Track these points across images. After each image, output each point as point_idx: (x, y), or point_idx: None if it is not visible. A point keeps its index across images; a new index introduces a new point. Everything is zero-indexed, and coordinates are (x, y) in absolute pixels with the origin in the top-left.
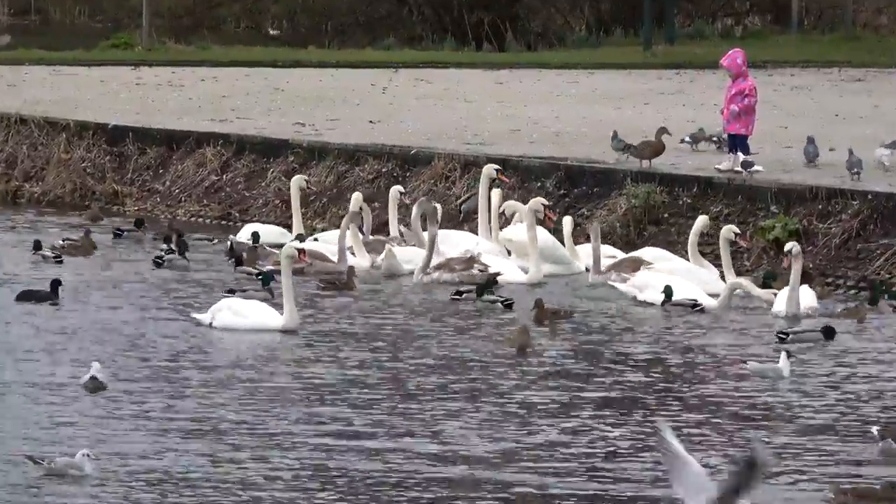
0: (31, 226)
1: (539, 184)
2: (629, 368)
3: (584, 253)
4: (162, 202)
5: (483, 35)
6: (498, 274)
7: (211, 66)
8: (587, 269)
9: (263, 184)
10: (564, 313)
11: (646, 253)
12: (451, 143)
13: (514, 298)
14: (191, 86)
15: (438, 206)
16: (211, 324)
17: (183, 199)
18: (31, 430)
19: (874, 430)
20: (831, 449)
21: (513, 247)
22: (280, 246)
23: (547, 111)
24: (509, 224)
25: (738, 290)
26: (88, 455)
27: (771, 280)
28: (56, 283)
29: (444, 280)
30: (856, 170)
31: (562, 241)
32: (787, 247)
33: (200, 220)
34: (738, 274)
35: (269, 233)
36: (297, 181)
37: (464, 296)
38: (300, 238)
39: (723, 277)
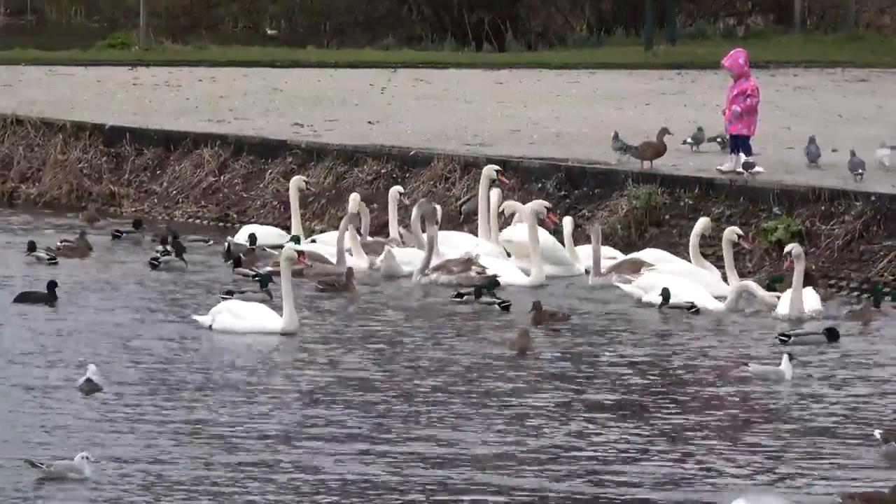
0: (27, 227)
1: (539, 185)
2: (630, 371)
3: (584, 254)
4: (159, 203)
5: (483, 35)
6: (496, 276)
7: (208, 67)
8: (587, 272)
9: (261, 185)
10: (562, 315)
11: (647, 254)
12: (450, 143)
13: (516, 300)
14: (188, 86)
15: (438, 207)
16: (211, 326)
17: (180, 200)
18: (26, 433)
19: (877, 433)
20: (833, 452)
21: (512, 248)
22: (278, 247)
23: (547, 111)
24: (509, 224)
25: (745, 293)
26: (87, 458)
27: (776, 283)
28: (52, 285)
29: (441, 282)
30: (859, 171)
31: (562, 242)
32: (788, 248)
33: (198, 221)
34: (740, 275)
35: (268, 234)
36: (296, 182)
37: (464, 297)
38: (295, 240)
39: (725, 279)
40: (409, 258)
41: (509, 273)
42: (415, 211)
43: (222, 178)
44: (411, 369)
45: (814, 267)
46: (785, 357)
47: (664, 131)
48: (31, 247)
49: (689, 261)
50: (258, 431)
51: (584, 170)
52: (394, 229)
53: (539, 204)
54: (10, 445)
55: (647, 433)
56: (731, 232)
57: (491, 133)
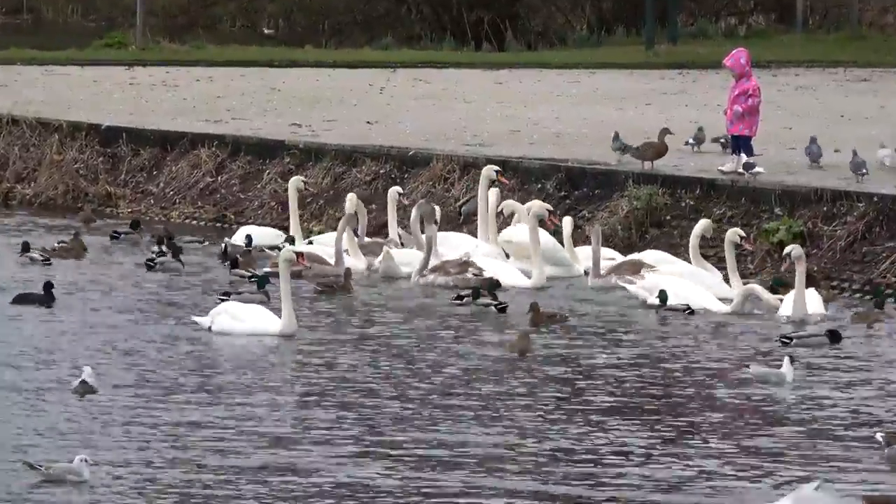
0: (22, 228)
1: (539, 185)
2: (630, 373)
3: (583, 255)
4: (156, 204)
5: (482, 34)
6: (492, 278)
7: (206, 66)
8: (586, 273)
9: (259, 185)
10: (560, 317)
11: (647, 256)
12: (449, 144)
13: (517, 302)
14: (185, 86)
15: (437, 207)
16: (210, 328)
17: (177, 200)
18: (20, 435)
19: (879, 436)
20: (835, 455)
21: (511, 248)
22: (275, 248)
23: (547, 112)
24: (508, 224)
25: (750, 296)
26: (87, 461)
27: (779, 286)
28: (49, 286)
29: (438, 283)
30: (862, 171)
31: (561, 243)
32: (787, 249)
33: (195, 222)
34: (741, 277)
35: (265, 235)
36: (294, 182)
37: (464, 300)
38: (290, 241)
39: (726, 280)
40: (407, 259)
41: (511, 275)
42: (414, 212)
43: (219, 178)
44: (409, 371)
45: (816, 268)
46: (786, 359)
47: (665, 131)
48: (25, 247)
49: (690, 262)
50: (254, 433)
51: (584, 170)
52: (393, 230)
53: (541, 207)
54: (2, 448)
55: (646, 435)
56: (733, 233)
57: (490, 133)
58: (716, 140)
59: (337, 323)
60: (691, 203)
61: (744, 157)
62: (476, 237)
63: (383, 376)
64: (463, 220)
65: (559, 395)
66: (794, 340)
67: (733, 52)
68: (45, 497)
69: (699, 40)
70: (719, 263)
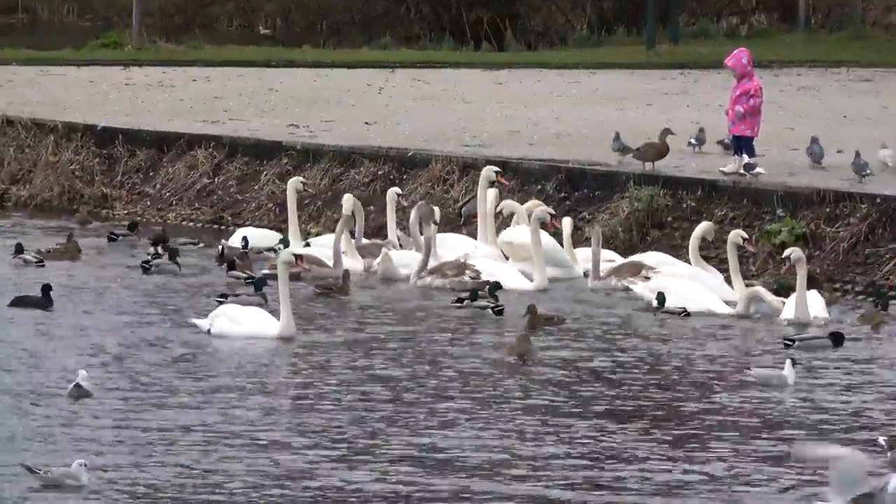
0: (17, 230)
1: (539, 186)
2: (630, 375)
3: (583, 257)
4: (152, 206)
5: (482, 34)
6: (489, 281)
7: (203, 66)
8: (585, 274)
9: (256, 187)
10: (558, 319)
11: (648, 258)
12: (449, 144)
13: (519, 305)
14: (182, 86)
15: (437, 209)
16: (209, 330)
17: (174, 202)
18: (13, 440)
19: (881, 440)
20: None
21: (511, 250)
22: (271, 250)
23: (547, 112)
24: (508, 224)
25: (755, 298)
26: (85, 465)
27: (783, 289)
28: (47, 289)
29: (436, 285)
30: (866, 172)
31: (561, 244)
32: (787, 252)
33: (191, 223)
34: (743, 278)
35: (263, 237)
36: (293, 183)
37: (465, 303)
38: (284, 243)
39: (727, 281)
40: (406, 260)
41: (513, 278)
42: (413, 213)
43: (216, 179)
44: (407, 374)
45: (818, 270)
46: (788, 362)
47: (666, 132)
48: (19, 249)
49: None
50: (249, 437)
51: (584, 171)
52: (392, 232)
53: (543, 211)
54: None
55: (646, 438)
56: (735, 235)
57: (490, 134)
58: (720, 142)
59: (335, 325)
60: (693, 204)
61: (745, 158)
62: (475, 239)
63: (380, 379)
64: (463, 222)
65: (557, 397)
66: (797, 343)
67: (735, 51)
68: (42, 501)
69: (701, 40)
70: (721, 265)
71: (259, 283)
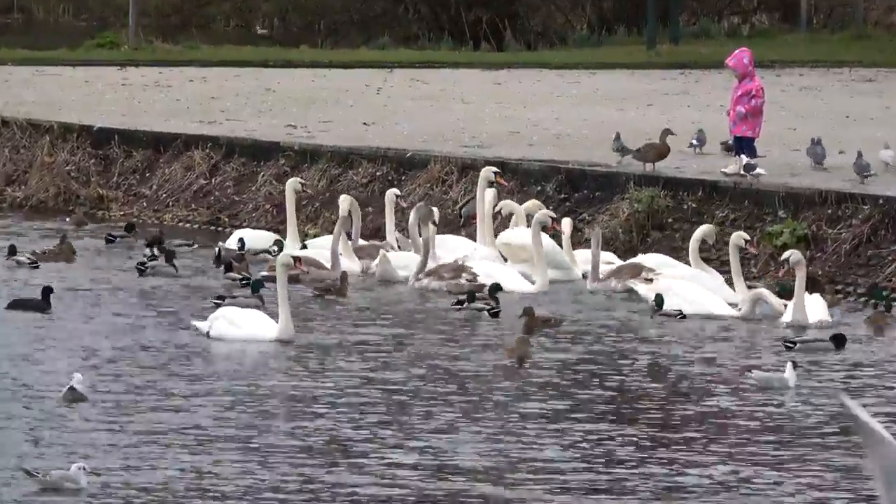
0: (12, 231)
1: (539, 187)
2: (631, 378)
3: (582, 258)
4: (148, 207)
5: (481, 34)
6: (484, 284)
7: (199, 67)
8: (584, 276)
9: (253, 188)
10: (555, 321)
11: (648, 259)
12: (447, 145)
13: (518, 307)
14: (179, 86)
15: (435, 210)
16: (208, 333)
17: (170, 203)
18: (7, 444)
19: None
20: (838, 462)
21: (509, 251)
22: (266, 252)
23: (547, 112)
24: (507, 225)
25: (759, 301)
26: (84, 468)
27: (785, 292)
28: (48, 291)
29: (433, 287)
30: (868, 172)
31: (560, 245)
32: (785, 255)
33: (188, 225)
34: (745, 280)
35: (260, 238)
36: (292, 184)
37: (465, 305)
38: (278, 244)
39: (729, 283)
40: (404, 262)
41: (514, 280)
42: (412, 214)
43: (213, 180)
44: (404, 377)
45: (820, 272)
46: (789, 364)
47: (667, 132)
48: (12, 251)
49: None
50: (246, 440)
51: (584, 172)
52: (391, 233)
53: (544, 214)
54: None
55: (646, 441)
56: (737, 237)
57: (489, 134)
58: (723, 144)
59: (333, 327)
60: (693, 206)
61: (745, 159)
62: (474, 240)
63: (377, 382)
64: (463, 223)
65: (555, 400)
66: (798, 345)
67: (736, 51)
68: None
69: (701, 40)
70: (721, 267)
71: (256, 285)
